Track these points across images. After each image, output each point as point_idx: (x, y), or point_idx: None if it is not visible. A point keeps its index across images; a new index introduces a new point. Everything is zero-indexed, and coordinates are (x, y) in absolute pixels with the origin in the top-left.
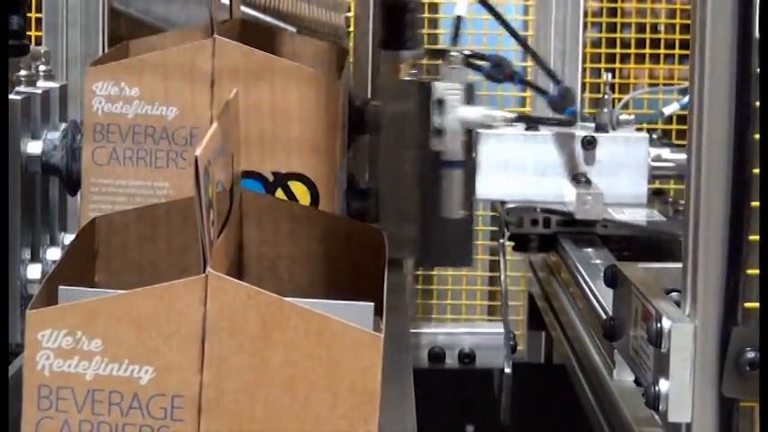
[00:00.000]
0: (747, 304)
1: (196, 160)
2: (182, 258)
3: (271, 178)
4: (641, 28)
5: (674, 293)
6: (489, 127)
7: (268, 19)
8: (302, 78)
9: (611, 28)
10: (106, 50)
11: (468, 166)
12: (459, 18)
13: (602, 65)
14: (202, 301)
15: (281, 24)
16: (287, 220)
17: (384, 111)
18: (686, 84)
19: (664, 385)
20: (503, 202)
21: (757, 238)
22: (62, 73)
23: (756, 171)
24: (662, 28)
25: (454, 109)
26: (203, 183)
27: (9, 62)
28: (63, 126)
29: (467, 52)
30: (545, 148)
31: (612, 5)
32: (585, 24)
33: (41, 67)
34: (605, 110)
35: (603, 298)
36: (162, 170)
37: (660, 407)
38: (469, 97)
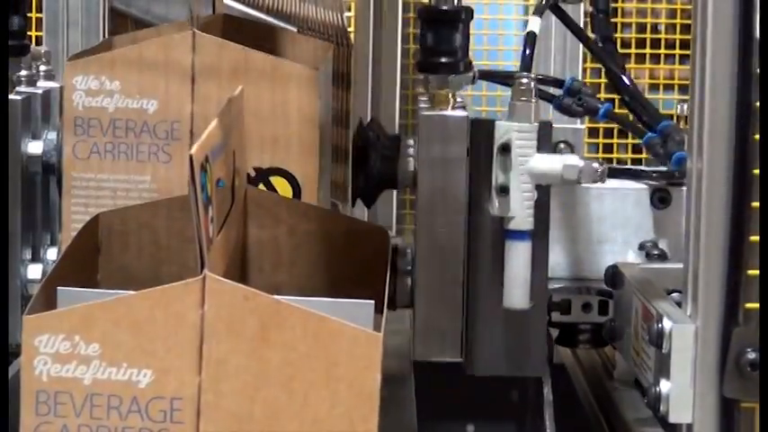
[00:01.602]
0: (748, 305)
1: (191, 159)
2: (184, 253)
3: (252, 173)
4: (642, 28)
5: (674, 294)
6: (572, 182)
7: (269, 19)
8: (280, 73)
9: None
10: None
11: (541, 239)
12: (533, 35)
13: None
14: (200, 303)
15: (282, 24)
16: (290, 217)
17: (423, 156)
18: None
19: (664, 386)
20: None
21: (757, 238)
22: (62, 73)
23: (757, 171)
24: (662, 28)
25: (524, 158)
26: (199, 181)
27: (9, 62)
28: None
29: (538, 76)
30: (600, 205)
31: (613, 5)
32: (586, 24)
33: (42, 68)
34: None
35: None
36: (143, 164)
37: (661, 407)
38: (545, 142)
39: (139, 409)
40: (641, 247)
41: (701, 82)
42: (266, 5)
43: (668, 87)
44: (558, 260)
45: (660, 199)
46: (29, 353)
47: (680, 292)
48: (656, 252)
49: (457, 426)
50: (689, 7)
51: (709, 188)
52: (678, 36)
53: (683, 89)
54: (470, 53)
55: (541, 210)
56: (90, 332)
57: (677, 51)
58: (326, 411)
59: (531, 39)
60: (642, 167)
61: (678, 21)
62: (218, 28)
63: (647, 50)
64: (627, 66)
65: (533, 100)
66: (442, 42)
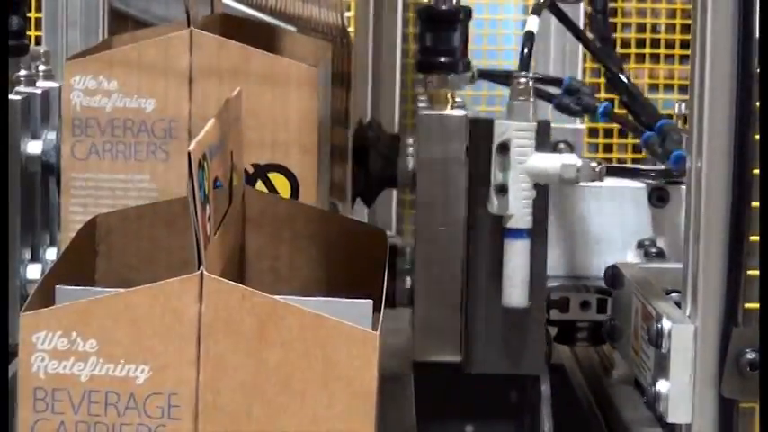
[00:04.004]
0: (748, 305)
1: (189, 155)
2: (183, 255)
3: (250, 170)
4: (641, 28)
5: (674, 294)
6: (570, 181)
7: (268, 18)
8: (279, 72)
9: (611, 28)
10: None
11: (538, 236)
12: (530, 35)
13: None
14: (197, 299)
15: (282, 24)
16: (288, 218)
17: (422, 155)
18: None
19: (664, 386)
20: None
21: (757, 238)
22: (61, 73)
23: (757, 171)
24: (662, 28)
25: (523, 157)
26: (197, 178)
27: (9, 62)
28: None
29: (537, 76)
30: (598, 204)
31: (612, 5)
32: (585, 24)
33: (41, 67)
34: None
35: None
36: (142, 163)
37: (660, 407)
38: (544, 141)
39: (137, 406)
40: (640, 245)
41: (701, 82)
42: (267, 5)
43: (668, 87)
44: (556, 259)
45: (659, 197)
46: (26, 350)
47: (679, 292)
48: (654, 250)
49: (456, 426)
50: (688, 7)
51: (709, 188)
52: (678, 36)
53: (683, 89)
54: (470, 53)
55: (540, 208)
56: (87, 328)
57: (677, 51)
58: (324, 410)
59: (529, 38)
60: (640, 166)
61: (678, 21)
62: (216, 27)
63: (647, 50)
64: (626, 66)
65: (531, 99)
66: (440, 42)
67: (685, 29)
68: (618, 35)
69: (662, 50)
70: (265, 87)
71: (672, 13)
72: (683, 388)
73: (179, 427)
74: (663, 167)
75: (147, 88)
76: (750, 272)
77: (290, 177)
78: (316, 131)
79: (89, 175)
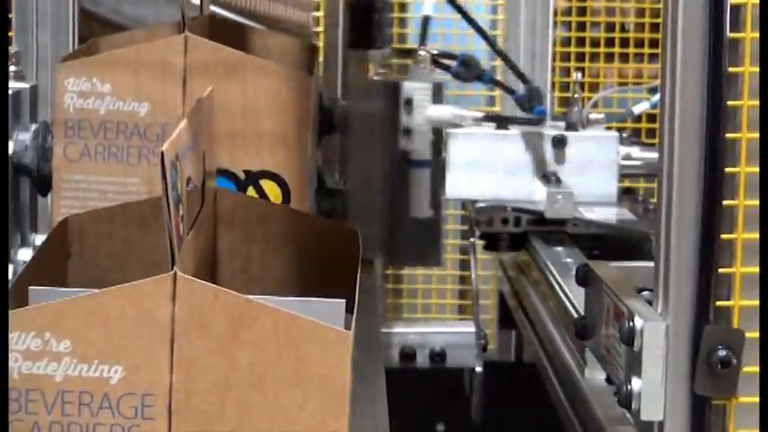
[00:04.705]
0: (719, 302)
1: (162, 155)
2: (155, 256)
3: (242, 176)
4: (610, 27)
5: (645, 292)
6: (458, 126)
7: (238, 18)
8: (272, 75)
9: (581, 27)
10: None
11: (436, 166)
12: (426, 18)
13: (572, 63)
14: (170, 299)
15: (250, 23)
16: (260, 219)
17: (353, 110)
18: (655, 82)
19: (636, 384)
20: (473, 202)
21: (728, 236)
22: (32, 73)
23: (728, 170)
24: (630, 27)
25: (422, 108)
26: (170, 178)
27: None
28: (34, 126)
29: (435, 51)
30: (515, 147)
31: (581, 4)
32: (555, 23)
33: (12, 68)
34: (575, 108)
35: (574, 297)
36: (134, 166)
37: (633, 405)
38: (438, 96)
39: (110, 406)
40: (544, 175)
41: (672, 80)
42: (236, 5)
43: (637, 86)
44: (485, 187)
45: (559, 141)
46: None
47: (650, 290)
48: (554, 178)
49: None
50: (657, 6)
51: (680, 186)
52: (646, 35)
53: (652, 87)
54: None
55: (436, 145)
56: (61, 329)
57: (645, 50)
58: (297, 410)
59: (425, 20)
60: (512, 116)
61: (646, 20)
62: (204, 29)
63: (616, 49)
64: (596, 64)
65: (429, 67)
66: (365, 26)
67: (653, 27)
68: (587, 34)
69: (631, 49)
70: (258, 91)
71: (640, 12)
72: (655, 386)
73: (153, 428)
74: (530, 117)
75: (141, 92)
76: (721, 269)
77: (281, 183)
78: (307, 136)
79: (80, 176)
